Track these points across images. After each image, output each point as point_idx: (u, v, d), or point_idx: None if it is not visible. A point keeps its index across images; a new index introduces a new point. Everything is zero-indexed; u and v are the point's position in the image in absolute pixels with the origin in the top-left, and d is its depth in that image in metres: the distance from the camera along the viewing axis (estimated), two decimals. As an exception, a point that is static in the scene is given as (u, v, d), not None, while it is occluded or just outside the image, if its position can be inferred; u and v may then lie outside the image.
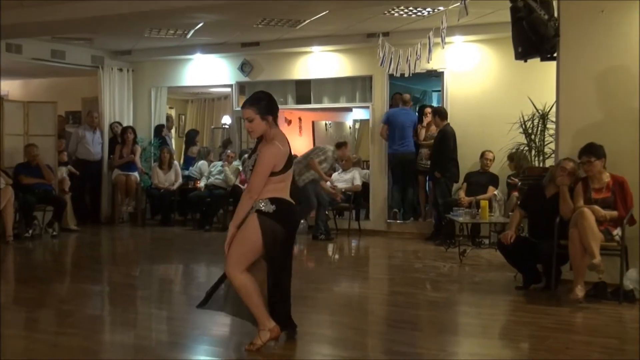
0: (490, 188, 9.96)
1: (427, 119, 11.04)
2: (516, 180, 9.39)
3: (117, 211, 12.56)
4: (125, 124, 12.79)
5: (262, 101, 4.73)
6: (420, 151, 10.99)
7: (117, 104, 12.96)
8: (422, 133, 11.04)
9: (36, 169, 10.80)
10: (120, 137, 12.45)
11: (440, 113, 10.43)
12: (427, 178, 10.96)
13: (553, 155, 7.93)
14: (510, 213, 8.66)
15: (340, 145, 11.33)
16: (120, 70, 13.01)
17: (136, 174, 12.39)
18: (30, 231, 10.51)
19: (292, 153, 4.82)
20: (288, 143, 4.75)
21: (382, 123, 11.21)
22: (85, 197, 12.67)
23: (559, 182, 6.59)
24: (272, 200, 4.57)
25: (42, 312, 6.25)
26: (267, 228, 4.54)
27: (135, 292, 7.06)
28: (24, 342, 5.15)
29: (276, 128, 4.74)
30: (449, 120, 10.36)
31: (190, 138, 14.71)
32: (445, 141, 10.15)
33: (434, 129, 10.70)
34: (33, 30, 10.11)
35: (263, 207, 4.54)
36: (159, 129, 13.32)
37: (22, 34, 10.57)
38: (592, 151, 6.44)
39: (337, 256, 9.96)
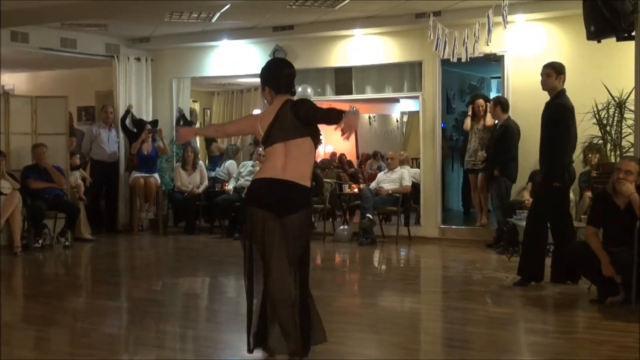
0: (560, 188, 9.82)
1: (483, 108, 10.98)
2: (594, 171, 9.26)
3: (136, 218, 12.67)
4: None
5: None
6: (469, 146, 10.95)
7: (135, 98, 13.08)
8: (468, 122, 10.99)
9: (46, 171, 10.87)
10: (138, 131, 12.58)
11: (502, 104, 10.34)
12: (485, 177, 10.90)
13: (632, 150, 7.83)
14: (582, 216, 8.55)
15: None
16: (138, 59, 13.14)
17: (156, 175, 12.51)
18: (40, 241, 10.65)
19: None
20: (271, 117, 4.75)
21: None
22: (101, 203, 12.82)
23: (624, 192, 6.41)
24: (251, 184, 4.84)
25: (54, 331, 6.33)
26: (247, 213, 4.75)
27: (157, 308, 7.11)
28: (34, 364, 5.25)
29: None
30: (510, 112, 10.30)
31: None
32: (510, 137, 10.07)
33: (489, 121, 10.66)
34: (40, 16, 10.24)
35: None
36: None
37: (28, 20, 10.73)
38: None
39: (384, 267, 9.96)
